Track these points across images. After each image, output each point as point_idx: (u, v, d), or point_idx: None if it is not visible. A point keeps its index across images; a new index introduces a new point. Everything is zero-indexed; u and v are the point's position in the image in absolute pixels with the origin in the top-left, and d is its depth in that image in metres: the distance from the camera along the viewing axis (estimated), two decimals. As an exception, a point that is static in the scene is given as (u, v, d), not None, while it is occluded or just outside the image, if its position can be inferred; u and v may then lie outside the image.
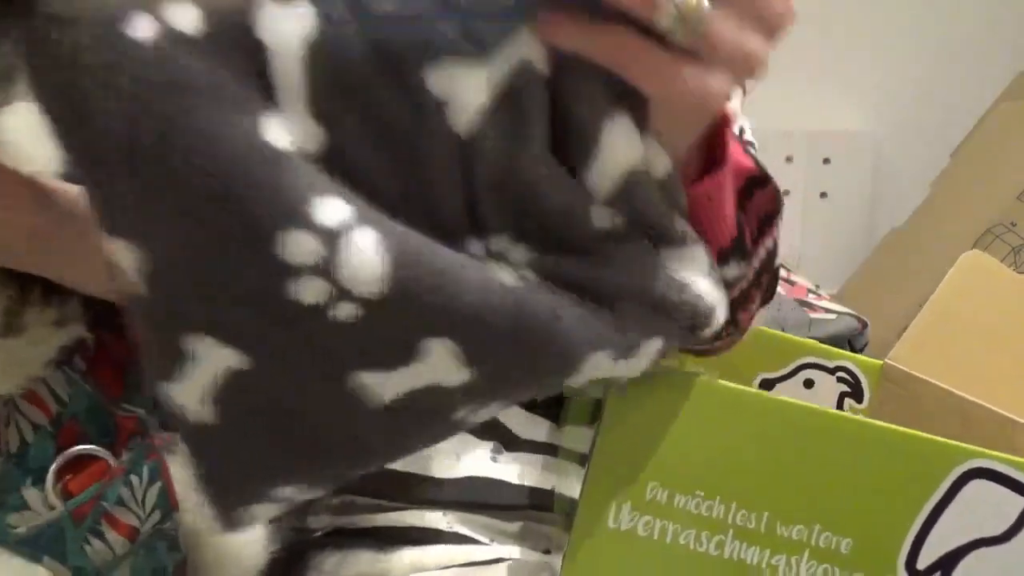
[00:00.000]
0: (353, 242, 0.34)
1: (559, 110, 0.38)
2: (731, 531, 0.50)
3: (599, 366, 0.39)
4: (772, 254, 0.50)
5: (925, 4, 1.62)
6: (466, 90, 0.35)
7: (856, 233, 1.64)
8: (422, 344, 0.36)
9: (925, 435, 0.51)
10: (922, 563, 0.51)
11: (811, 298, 1.15)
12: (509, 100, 0.36)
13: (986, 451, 0.51)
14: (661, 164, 0.40)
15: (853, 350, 1.11)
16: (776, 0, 0.37)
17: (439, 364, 0.37)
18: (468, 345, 0.37)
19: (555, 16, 0.36)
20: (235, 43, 0.34)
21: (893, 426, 0.51)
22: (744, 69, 0.37)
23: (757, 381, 0.72)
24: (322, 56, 0.34)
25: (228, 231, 0.34)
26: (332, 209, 0.34)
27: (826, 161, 1.66)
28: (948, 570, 0.51)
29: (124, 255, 0.35)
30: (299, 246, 0.34)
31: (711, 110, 0.39)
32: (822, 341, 1.07)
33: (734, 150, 0.45)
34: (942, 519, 0.51)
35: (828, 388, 0.72)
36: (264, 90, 0.34)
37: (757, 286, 0.51)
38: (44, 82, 0.34)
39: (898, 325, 1.22)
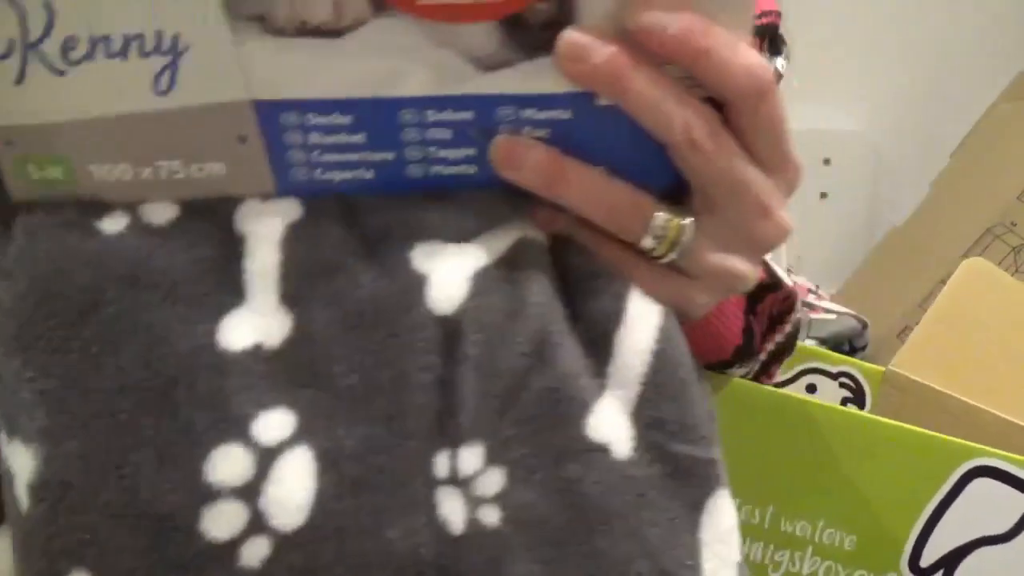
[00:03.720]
0: (287, 463, 0.31)
1: (569, 280, 0.35)
2: (735, 527, 0.50)
3: None
4: (784, 345, 0.49)
5: (925, 4, 1.61)
6: (453, 264, 0.33)
7: (856, 233, 1.63)
8: None
9: (930, 432, 0.51)
10: (925, 561, 0.51)
11: (811, 298, 1.15)
12: (501, 272, 0.34)
13: (990, 449, 0.51)
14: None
15: (853, 350, 1.11)
16: (762, 225, 0.36)
17: None
18: None
19: (547, 211, 0.35)
20: (208, 234, 0.33)
21: (898, 423, 0.51)
22: (727, 287, 0.37)
23: (759, 386, 0.72)
24: (301, 237, 0.33)
25: (157, 441, 0.31)
26: (275, 423, 0.32)
27: (826, 161, 1.65)
28: (951, 568, 0.51)
29: (18, 460, 0.32)
30: (230, 465, 0.31)
31: (694, 317, 0.37)
32: (822, 341, 1.07)
33: None
34: (946, 517, 0.51)
35: (830, 393, 0.72)
36: (233, 284, 0.33)
37: (765, 372, 0.50)
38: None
39: (898, 325, 1.22)
